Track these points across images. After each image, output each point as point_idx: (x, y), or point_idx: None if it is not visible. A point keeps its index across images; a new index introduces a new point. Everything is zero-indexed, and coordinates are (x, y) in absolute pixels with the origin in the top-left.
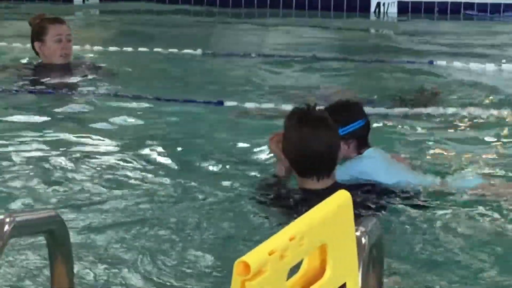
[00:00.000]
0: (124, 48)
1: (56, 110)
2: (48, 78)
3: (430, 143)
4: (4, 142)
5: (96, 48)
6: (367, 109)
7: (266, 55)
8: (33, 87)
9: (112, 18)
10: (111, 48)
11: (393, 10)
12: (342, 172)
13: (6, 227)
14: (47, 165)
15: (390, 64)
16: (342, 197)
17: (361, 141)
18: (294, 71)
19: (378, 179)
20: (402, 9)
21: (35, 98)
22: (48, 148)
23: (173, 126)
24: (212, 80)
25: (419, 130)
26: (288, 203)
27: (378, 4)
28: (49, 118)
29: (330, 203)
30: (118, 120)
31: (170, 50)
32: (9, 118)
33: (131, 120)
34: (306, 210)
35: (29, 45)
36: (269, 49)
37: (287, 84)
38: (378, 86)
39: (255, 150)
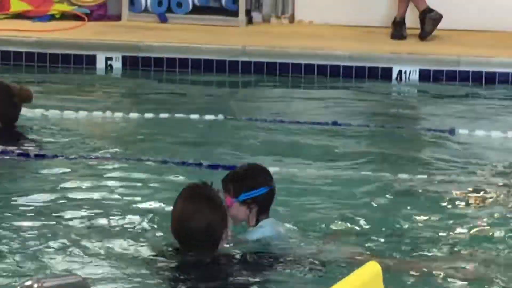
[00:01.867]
0: (145, 115)
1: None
2: None
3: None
4: None
5: (117, 114)
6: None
7: (289, 121)
8: None
9: (135, 82)
10: (132, 115)
11: (415, 77)
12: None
13: None
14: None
15: (411, 132)
16: (373, 269)
17: (263, 208)
18: (315, 136)
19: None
20: (424, 77)
21: None
22: None
23: None
24: (233, 144)
25: None
26: (171, 269)
27: (400, 72)
28: None
29: (361, 275)
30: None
31: (192, 116)
32: None
33: (155, 185)
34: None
35: None
36: (291, 115)
37: (308, 150)
38: (398, 154)
39: None
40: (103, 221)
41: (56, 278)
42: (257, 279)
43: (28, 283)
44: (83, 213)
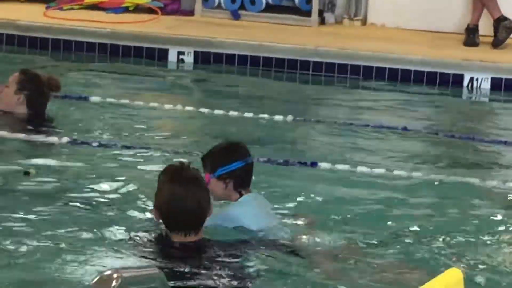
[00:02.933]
0: (215, 111)
1: None
2: None
3: None
4: None
5: (187, 108)
6: None
7: (358, 124)
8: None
9: (206, 78)
10: (202, 110)
11: (487, 85)
12: (215, 218)
13: (114, 283)
14: None
15: (480, 142)
16: (454, 275)
17: (239, 182)
18: (384, 140)
19: (244, 224)
20: (496, 85)
21: None
22: None
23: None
24: (301, 145)
25: None
26: (155, 251)
27: (471, 79)
28: None
29: (442, 281)
30: None
31: (261, 115)
32: None
33: None
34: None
35: None
36: (360, 117)
37: (375, 152)
38: (466, 162)
39: None
40: None
41: (134, 269)
42: (239, 262)
43: (108, 273)
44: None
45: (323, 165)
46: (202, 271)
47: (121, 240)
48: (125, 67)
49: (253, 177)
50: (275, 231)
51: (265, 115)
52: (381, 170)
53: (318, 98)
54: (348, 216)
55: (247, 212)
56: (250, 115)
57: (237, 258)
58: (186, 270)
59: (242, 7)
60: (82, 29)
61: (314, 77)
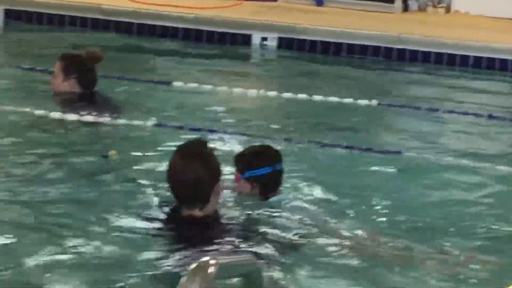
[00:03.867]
0: (299, 95)
1: None
2: None
3: None
4: None
5: (271, 93)
6: None
7: (443, 110)
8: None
9: (289, 63)
10: (286, 94)
11: None
12: None
13: (211, 269)
14: None
15: None
16: None
17: (266, 187)
18: (467, 127)
19: None
20: None
21: None
22: None
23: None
24: (385, 130)
25: None
26: (165, 225)
27: None
28: None
29: None
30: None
31: (345, 100)
32: None
33: (302, 166)
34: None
35: None
36: (444, 104)
37: (457, 140)
38: None
39: None
40: None
41: (230, 256)
42: (243, 241)
43: (205, 260)
44: None
45: (407, 154)
46: (203, 246)
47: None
48: (209, 52)
49: (334, 162)
50: None
51: (349, 100)
52: (466, 161)
53: (401, 84)
54: (431, 205)
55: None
56: (334, 99)
57: (243, 238)
58: (187, 243)
59: None
60: (167, 14)
61: (397, 64)
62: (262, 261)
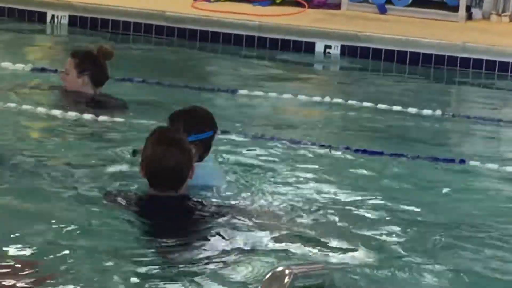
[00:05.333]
0: (364, 103)
1: None
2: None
3: None
4: None
5: (335, 100)
6: None
7: (506, 121)
8: None
9: (353, 71)
10: (350, 102)
11: None
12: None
13: (286, 279)
14: None
15: None
16: None
17: (204, 149)
18: None
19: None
20: None
21: None
22: None
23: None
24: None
25: None
26: (136, 208)
27: None
28: None
29: None
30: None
31: (409, 109)
32: None
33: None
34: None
35: None
36: (507, 115)
37: None
38: None
39: None
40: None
41: (304, 265)
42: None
43: (280, 269)
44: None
45: (472, 162)
46: (178, 223)
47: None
48: (272, 60)
49: (398, 170)
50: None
51: (413, 109)
52: None
53: (465, 94)
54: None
55: (214, 172)
56: (398, 108)
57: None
58: (160, 221)
59: (388, 1)
60: (230, 21)
61: (461, 73)
62: (337, 267)
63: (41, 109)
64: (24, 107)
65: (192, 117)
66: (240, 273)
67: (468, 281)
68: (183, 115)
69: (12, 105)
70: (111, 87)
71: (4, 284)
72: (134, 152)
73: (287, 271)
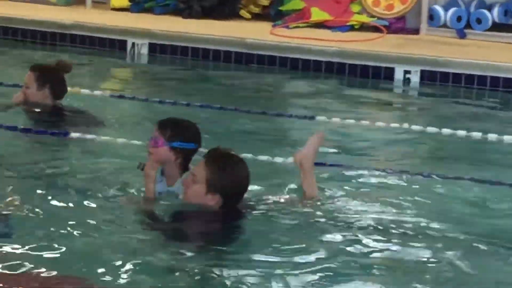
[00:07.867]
0: (443, 130)
1: None
2: None
3: None
4: None
5: (413, 127)
6: None
7: None
8: None
9: (432, 97)
10: (429, 129)
11: None
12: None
13: None
14: None
15: None
16: None
17: (186, 161)
18: None
19: None
20: None
21: None
22: None
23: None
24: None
25: None
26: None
27: None
28: None
29: None
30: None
31: (490, 135)
32: None
33: (445, 201)
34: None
35: None
36: None
37: None
38: None
39: None
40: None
41: None
42: None
43: None
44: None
45: None
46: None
47: None
48: (352, 86)
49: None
50: None
51: (494, 135)
52: None
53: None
54: None
55: None
56: (478, 134)
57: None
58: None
59: (468, 25)
60: (309, 47)
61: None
62: None
63: None
64: None
65: (180, 127)
66: None
67: None
68: (172, 123)
69: None
70: (191, 114)
71: None
72: (140, 166)
73: None
